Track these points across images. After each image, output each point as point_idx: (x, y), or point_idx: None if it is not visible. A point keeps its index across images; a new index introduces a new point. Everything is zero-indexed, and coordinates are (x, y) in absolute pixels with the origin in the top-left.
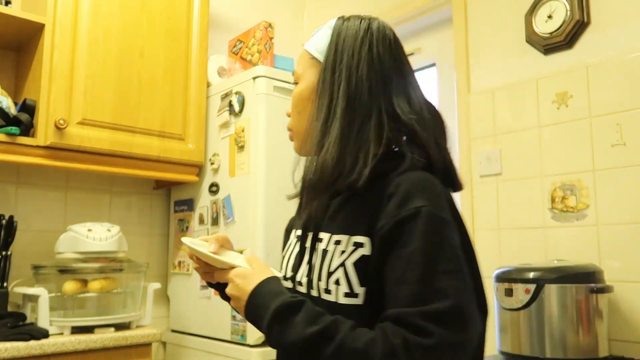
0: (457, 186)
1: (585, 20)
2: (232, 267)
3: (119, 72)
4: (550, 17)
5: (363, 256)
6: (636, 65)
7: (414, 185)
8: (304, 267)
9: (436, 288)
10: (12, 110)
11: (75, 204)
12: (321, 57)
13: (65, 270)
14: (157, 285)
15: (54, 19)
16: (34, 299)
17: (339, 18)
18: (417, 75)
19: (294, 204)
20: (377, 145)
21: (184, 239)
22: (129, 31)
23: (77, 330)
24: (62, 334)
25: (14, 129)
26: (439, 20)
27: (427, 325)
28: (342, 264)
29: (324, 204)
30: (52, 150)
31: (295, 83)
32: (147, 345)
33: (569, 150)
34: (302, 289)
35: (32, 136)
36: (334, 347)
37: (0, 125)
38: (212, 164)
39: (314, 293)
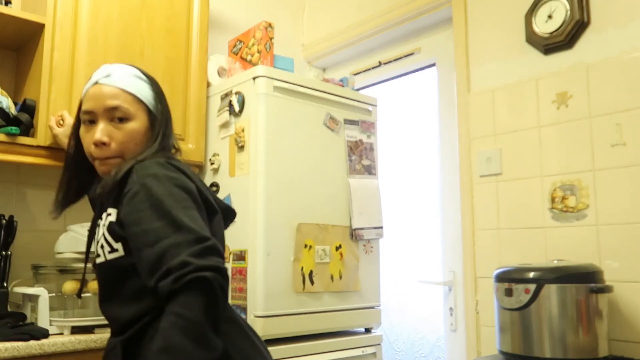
0: None
1: (585, 20)
2: None
3: None
4: (550, 17)
5: (111, 223)
6: (636, 65)
7: (146, 167)
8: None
9: None
10: (12, 110)
11: (75, 204)
12: (149, 104)
13: (65, 270)
14: None
15: (54, 19)
16: (33, 299)
17: (144, 74)
18: (417, 75)
19: (294, 203)
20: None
21: None
22: (128, 31)
23: (77, 330)
24: (62, 333)
25: (14, 129)
26: (439, 20)
27: None
28: (102, 230)
29: None
30: (52, 150)
31: (122, 118)
32: None
33: (569, 150)
34: (99, 260)
35: (32, 136)
36: None
37: (0, 125)
38: (212, 164)
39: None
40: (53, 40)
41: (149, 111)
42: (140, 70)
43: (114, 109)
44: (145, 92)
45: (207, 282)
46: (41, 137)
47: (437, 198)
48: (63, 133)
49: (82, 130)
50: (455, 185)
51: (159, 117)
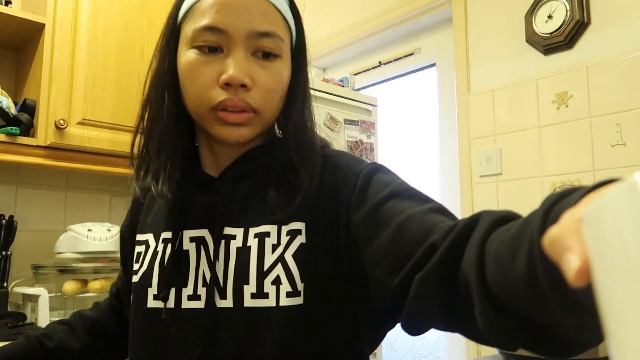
0: None
1: (586, 20)
2: None
3: (119, 72)
4: (550, 17)
5: (301, 245)
6: (636, 65)
7: (349, 155)
8: (198, 276)
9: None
10: (12, 110)
11: (75, 204)
12: (293, 34)
13: (65, 270)
14: None
15: (54, 19)
16: (34, 298)
17: None
18: (417, 75)
19: None
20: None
21: None
22: (128, 31)
23: None
24: None
25: (14, 129)
26: (439, 20)
27: None
28: (280, 259)
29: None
30: (52, 150)
31: (269, 53)
32: None
33: (569, 150)
34: (198, 304)
35: (32, 136)
36: None
37: (0, 125)
38: None
39: (227, 304)
40: (53, 40)
41: (291, 46)
42: None
43: (264, 35)
44: (289, 16)
45: None
46: (41, 137)
47: (438, 198)
48: None
49: (193, 59)
50: (455, 185)
51: (304, 61)
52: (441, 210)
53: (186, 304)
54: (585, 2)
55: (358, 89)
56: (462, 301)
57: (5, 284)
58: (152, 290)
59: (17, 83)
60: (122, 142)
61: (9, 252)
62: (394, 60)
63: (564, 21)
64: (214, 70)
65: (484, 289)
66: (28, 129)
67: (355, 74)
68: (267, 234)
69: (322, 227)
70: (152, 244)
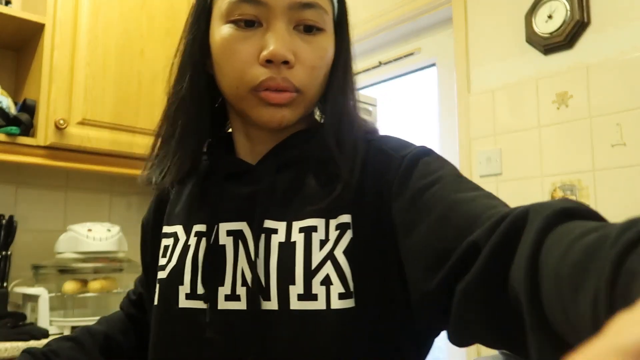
0: None
1: (586, 20)
2: None
3: (119, 72)
4: (550, 17)
5: (351, 241)
6: (636, 65)
7: (396, 139)
8: (237, 274)
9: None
10: (12, 110)
11: (75, 204)
12: (335, 6)
13: (65, 270)
14: None
15: (54, 19)
16: (33, 298)
17: None
18: (417, 75)
19: None
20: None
21: None
22: (129, 31)
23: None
24: (62, 333)
25: (14, 129)
26: (439, 20)
27: None
28: (330, 256)
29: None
30: (52, 150)
31: (312, 27)
32: None
33: (569, 150)
34: (237, 305)
35: (32, 136)
36: None
37: (0, 125)
38: None
39: (272, 306)
40: (53, 40)
41: (334, 19)
42: None
43: (307, 7)
44: None
45: None
46: (41, 137)
47: None
48: None
49: (230, 35)
50: None
51: (347, 35)
52: (489, 196)
53: (223, 304)
54: (585, 2)
55: (358, 89)
56: (513, 317)
57: (5, 284)
58: (184, 289)
59: (17, 83)
60: (122, 142)
61: (9, 252)
62: (394, 60)
63: (564, 21)
64: (253, 46)
65: (538, 319)
66: (28, 129)
67: (355, 74)
68: (314, 229)
69: (368, 218)
70: (182, 237)
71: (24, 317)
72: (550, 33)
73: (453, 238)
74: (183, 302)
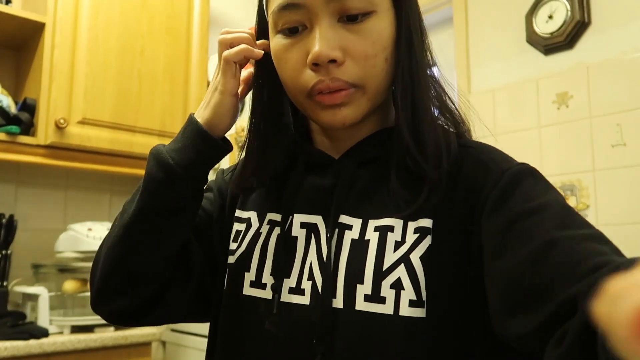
0: None
1: (586, 20)
2: None
3: (119, 71)
4: (550, 17)
5: (430, 247)
6: (636, 65)
7: (495, 149)
8: (304, 267)
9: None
10: (13, 109)
11: (75, 203)
12: None
13: (65, 270)
14: None
15: (54, 18)
16: (33, 298)
17: None
18: None
19: None
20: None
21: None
22: (129, 30)
23: (76, 329)
24: (61, 333)
25: (14, 128)
26: (439, 20)
27: None
28: (404, 259)
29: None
30: (53, 149)
31: (357, 14)
32: (147, 344)
33: (569, 150)
34: (301, 299)
35: (33, 135)
36: None
37: (0, 124)
38: None
39: (337, 303)
40: (53, 39)
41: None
42: None
43: None
44: None
45: None
46: (41, 137)
47: None
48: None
49: (279, 46)
50: None
51: (407, 7)
52: (600, 239)
53: (286, 297)
54: (585, 2)
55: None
56: None
57: (5, 283)
58: (250, 276)
59: (17, 82)
60: (122, 141)
61: (9, 251)
62: None
63: (564, 21)
64: (300, 52)
65: None
66: (28, 128)
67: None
68: (391, 229)
69: (452, 228)
70: (255, 223)
71: (23, 316)
72: (551, 33)
73: (551, 277)
74: (247, 290)
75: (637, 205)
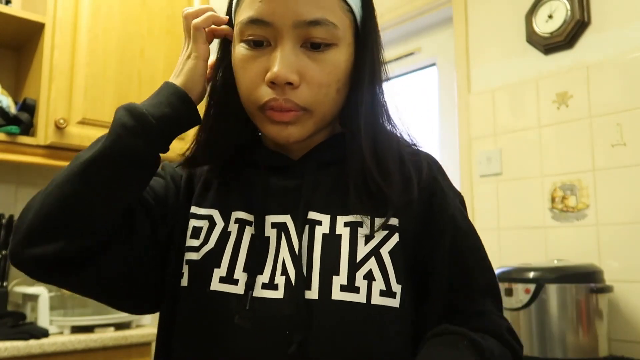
0: None
1: (586, 20)
2: None
3: (119, 72)
4: (550, 17)
5: (398, 244)
6: (636, 65)
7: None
8: (277, 264)
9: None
10: (12, 109)
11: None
12: (356, 13)
13: None
14: None
15: (54, 19)
16: (33, 298)
17: None
18: (417, 75)
19: None
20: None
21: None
22: (129, 30)
23: (77, 329)
24: (62, 333)
25: (14, 129)
26: (439, 20)
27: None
28: (374, 252)
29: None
30: (52, 149)
31: (320, 44)
32: (147, 344)
33: (569, 150)
34: (274, 294)
35: (32, 135)
36: None
37: (0, 124)
38: None
39: (312, 295)
40: (53, 39)
41: (354, 27)
42: None
43: (314, 24)
44: None
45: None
46: (41, 137)
47: None
48: (201, 60)
49: (241, 55)
50: (456, 184)
51: (370, 42)
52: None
53: (259, 292)
54: (585, 1)
55: None
56: None
57: (5, 284)
58: (220, 272)
59: (17, 82)
60: None
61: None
62: (394, 60)
63: (564, 21)
64: (260, 66)
65: None
66: (28, 128)
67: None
68: (360, 224)
69: (414, 228)
70: (220, 222)
71: (23, 316)
72: (551, 33)
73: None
74: (216, 285)
75: (637, 205)
